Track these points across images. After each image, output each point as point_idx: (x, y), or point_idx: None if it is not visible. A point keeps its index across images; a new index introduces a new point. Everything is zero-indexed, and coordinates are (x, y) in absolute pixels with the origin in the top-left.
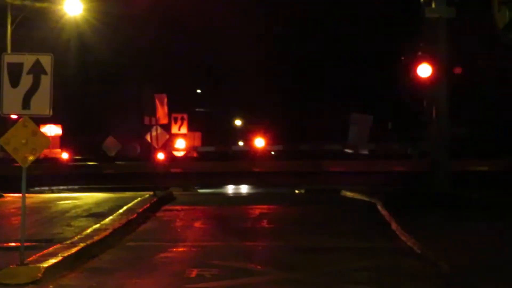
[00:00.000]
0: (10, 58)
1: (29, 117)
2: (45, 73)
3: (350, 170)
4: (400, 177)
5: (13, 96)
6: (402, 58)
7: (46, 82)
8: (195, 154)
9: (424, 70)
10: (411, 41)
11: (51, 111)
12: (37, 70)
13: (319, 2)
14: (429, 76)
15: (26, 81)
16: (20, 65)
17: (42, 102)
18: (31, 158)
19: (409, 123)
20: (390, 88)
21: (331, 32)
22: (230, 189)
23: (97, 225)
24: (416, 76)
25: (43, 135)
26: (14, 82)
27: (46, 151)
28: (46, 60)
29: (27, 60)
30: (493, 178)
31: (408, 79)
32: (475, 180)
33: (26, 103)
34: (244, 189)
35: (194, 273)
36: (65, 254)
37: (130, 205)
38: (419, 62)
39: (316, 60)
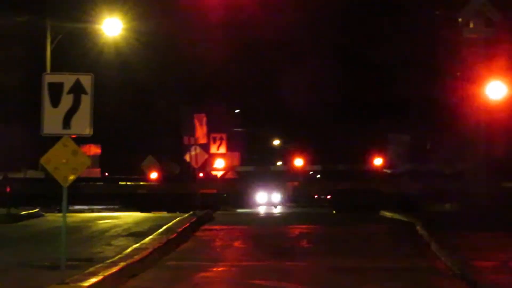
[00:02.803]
0: (50, 78)
1: (69, 136)
2: (85, 93)
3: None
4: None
5: (54, 116)
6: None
7: (86, 101)
8: (233, 174)
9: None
10: (450, 60)
11: (91, 130)
12: (77, 89)
13: (360, 18)
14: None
15: (67, 101)
16: (61, 85)
17: (82, 122)
18: (71, 177)
19: (448, 142)
20: (429, 108)
21: (370, 52)
22: (267, 208)
23: (137, 245)
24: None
25: (83, 155)
26: (55, 102)
27: (85, 171)
28: (87, 80)
29: (68, 80)
30: None
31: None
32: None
33: (66, 123)
34: (281, 208)
35: None
36: (106, 274)
37: (169, 224)
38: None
39: (356, 80)
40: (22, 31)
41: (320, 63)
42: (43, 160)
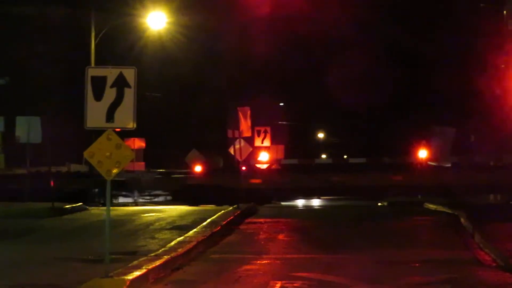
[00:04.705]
0: (94, 71)
1: (113, 130)
2: (129, 86)
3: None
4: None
5: (97, 109)
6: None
7: (129, 95)
8: (278, 167)
9: None
10: (494, 53)
11: (135, 124)
12: (120, 83)
13: (404, 13)
14: None
15: (110, 94)
16: (104, 78)
17: (125, 115)
18: (115, 171)
19: (491, 135)
20: (472, 101)
21: (415, 45)
22: (311, 201)
23: (181, 238)
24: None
25: (127, 148)
26: (98, 96)
27: (129, 164)
28: (130, 74)
29: (111, 73)
30: None
31: (493, 91)
32: None
33: (109, 116)
34: (326, 201)
35: (277, 285)
36: (149, 267)
37: (213, 217)
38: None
39: (401, 73)
40: (67, 25)
41: (364, 57)
42: (86, 154)
